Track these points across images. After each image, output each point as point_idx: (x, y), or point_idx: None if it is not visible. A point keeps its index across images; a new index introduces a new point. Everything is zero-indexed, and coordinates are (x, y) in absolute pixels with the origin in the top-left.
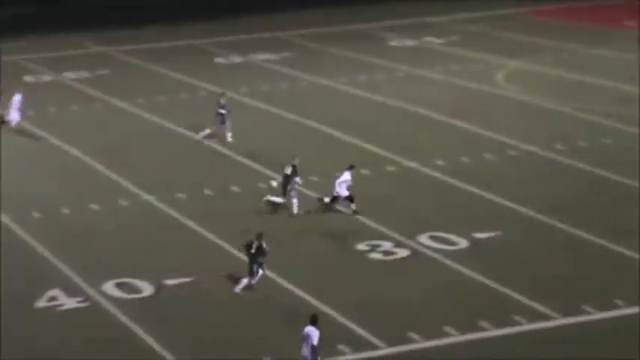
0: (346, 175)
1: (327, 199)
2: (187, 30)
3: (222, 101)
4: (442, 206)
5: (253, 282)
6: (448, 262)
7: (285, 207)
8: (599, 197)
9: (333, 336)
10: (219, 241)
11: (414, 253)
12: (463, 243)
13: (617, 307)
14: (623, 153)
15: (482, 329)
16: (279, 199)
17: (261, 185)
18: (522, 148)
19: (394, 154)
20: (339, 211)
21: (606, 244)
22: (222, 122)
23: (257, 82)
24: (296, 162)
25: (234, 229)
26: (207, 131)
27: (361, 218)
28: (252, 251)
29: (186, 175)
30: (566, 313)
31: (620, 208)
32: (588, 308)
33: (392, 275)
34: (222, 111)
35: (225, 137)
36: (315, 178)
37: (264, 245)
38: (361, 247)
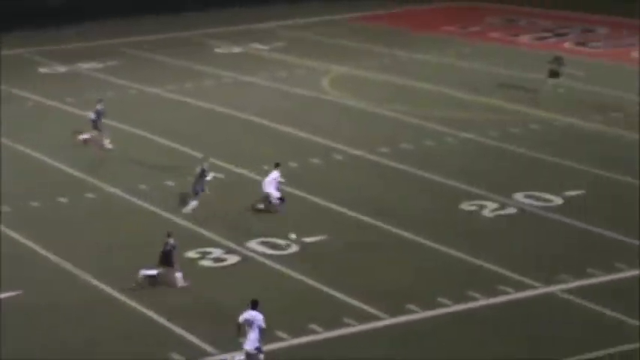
0: (274, 174)
1: (260, 206)
2: (9, 40)
3: (99, 107)
4: (271, 212)
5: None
6: (278, 266)
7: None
8: (424, 199)
9: (164, 342)
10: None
11: (244, 259)
12: (293, 247)
13: (442, 305)
14: (445, 155)
15: (314, 332)
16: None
17: (89, 195)
18: (348, 152)
19: (222, 161)
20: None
21: (431, 244)
22: (97, 128)
23: (83, 92)
24: (205, 165)
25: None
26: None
27: (191, 226)
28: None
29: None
30: (393, 313)
31: (443, 209)
32: (414, 307)
33: (223, 281)
34: (93, 117)
35: (102, 143)
36: (144, 187)
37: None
38: (191, 254)
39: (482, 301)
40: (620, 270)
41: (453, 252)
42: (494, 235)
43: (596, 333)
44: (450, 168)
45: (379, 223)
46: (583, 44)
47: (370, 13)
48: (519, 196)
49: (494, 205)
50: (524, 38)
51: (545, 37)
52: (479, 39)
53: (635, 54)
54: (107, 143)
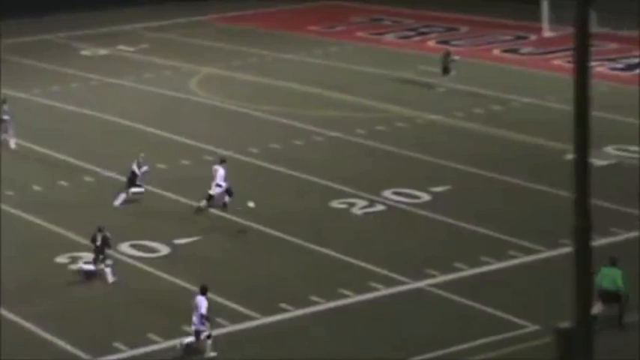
0: (221, 171)
1: (203, 203)
2: None
3: (5, 107)
4: (141, 214)
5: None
6: (150, 269)
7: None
8: (294, 198)
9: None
10: None
11: (115, 263)
12: (164, 250)
13: (315, 303)
14: (314, 154)
15: (186, 333)
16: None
17: None
18: (218, 153)
19: (91, 165)
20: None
21: (302, 243)
22: (5, 130)
23: None
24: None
25: None
26: None
27: (59, 230)
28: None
29: None
30: (266, 313)
31: (313, 208)
32: (287, 306)
33: (94, 286)
34: (6, 117)
35: (8, 144)
36: (11, 193)
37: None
38: (61, 260)
39: (353, 298)
40: (486, 263)
41: (324, 250)
42: (363, 232)
43: (464, 326)
44: (319, 167)
45: (251, 224)
46: (446, 42)
47: (237, 14)
48: (387, 193)
49: (364, 203)
50: (389, 37)
51: (409, 36)
52: (345, 38)
53: (496, 52)
54: (12, 143)
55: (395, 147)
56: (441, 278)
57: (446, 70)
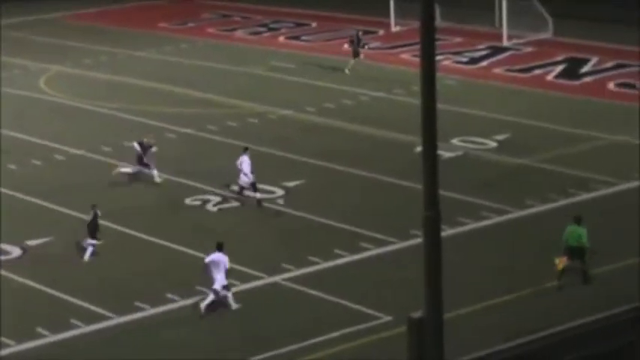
0: (247, 161)
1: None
2: None
3: None
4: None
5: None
6: (2, 272)
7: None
8: (149, 196)
9: None
10: None
11: None
12: (16, 251)
13: (171, 301)
14: (167, 150)
15: (41, 336)
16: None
17: None
18: (69, 152)
19: None
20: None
21: (158, 241)
22: None
23: None
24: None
25: None
26: None
27: None
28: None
29: None
30: (121, 312)
31: (168, 206)
32: (143, 305)
33: None
34: None
35: None
36: None
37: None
38: None
39: (210, 296)
40: (339, 256)
41: (179, 248)
42: (218, 229)
43: (320, 319)
44: (172, 164)
45: (107, 223)
46: (296, 38)
47: (88, 11)
48: (237, 189)
49: (217, 199)
50: (239, 33)
51: (260, 32)
52: (195, 35)
53: (346, 46)
54: None
55: (247, 142)
56: (296, 272)
57: (356, 54)
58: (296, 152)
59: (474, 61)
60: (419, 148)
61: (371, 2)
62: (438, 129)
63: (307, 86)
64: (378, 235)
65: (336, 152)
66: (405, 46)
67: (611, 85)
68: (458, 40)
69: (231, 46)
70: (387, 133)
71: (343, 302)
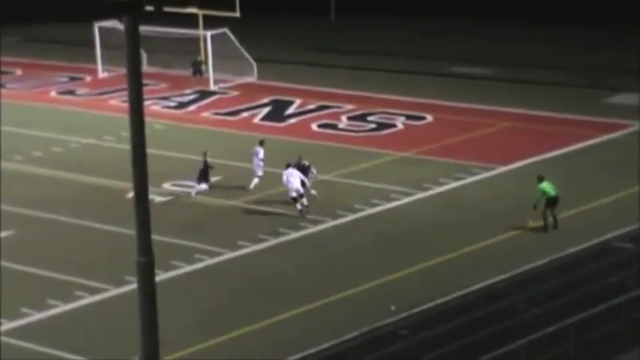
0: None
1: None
2: None
3: None
4: None
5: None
6: None
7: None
8: None
9: None
10: None
11: None
12: None
13: None
14: None
15: None
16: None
17: None
18: None
19: None
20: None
21: None
22: None
23: None
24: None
25: None
26: None
27: None
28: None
29: None
30: None
31: None
32: None
33: None
34: None
35: None
36: None
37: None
38: None
39: None
40: (53, 306)
41: None
42: None
43: None
44: None
45: None
46: (2, 86)
47: None
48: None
49: None
50: None
51: None
52: None
53: (53, 94)
54: None
55: None
56: (9, 325)
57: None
58: (5, 202)
59: (182, 105)
60: (131, 194)
61: (77, 49)
62: (149, 174)
63: (14, 134)
64: (93, 283)
65: (46, 201)
66: (113, 92)
67: (314, 126)
68: (165, 85)
69: None
70: (98, 179)
71: (60, 353)
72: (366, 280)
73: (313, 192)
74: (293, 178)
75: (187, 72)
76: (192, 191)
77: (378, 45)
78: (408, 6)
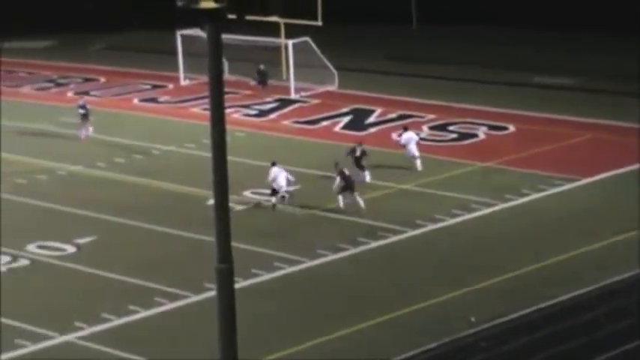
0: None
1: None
2: None
3: None
4: None
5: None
6: None
7: None
8: None
9: None
10: None
11: None
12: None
13: None
14: None
15: None
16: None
17: None
18: None
19: None
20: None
21: None
22: None
23: None
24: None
25: None
26: None
27: None
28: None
29: None
30: None
31: None
32: None
33: None
34: None
35: None
36: None
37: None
38: None
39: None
40: (134, 312)
41: None
42: (8, 289)
43: None
44: None
45: None
46: (85, 93)
47: None
48: (32, 247)
49: (7, 259)
50: (26, 89)
51: (47, 88)
52: None
53: (135, 101)
54: None
55: (37, 200)
56: (89, 330)
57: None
58: (87, 208)
59: (262, 113)
60: (211, 201)
61: (159, 57)
62: (229, 181)
63: (97, 141)
64: (173, 290)
65: (128, 207)
66: (194, 99)
67: (394, 136)
68: (246, 92)
69: (17, 102)
70: (179, 186)
71: (136, 358)
72: (445, 292)
73: (360, 201)
74: (280, 178)
75: (270, 80)
76: (367, 176)
77: (459, 54)
78: (489, 16)
